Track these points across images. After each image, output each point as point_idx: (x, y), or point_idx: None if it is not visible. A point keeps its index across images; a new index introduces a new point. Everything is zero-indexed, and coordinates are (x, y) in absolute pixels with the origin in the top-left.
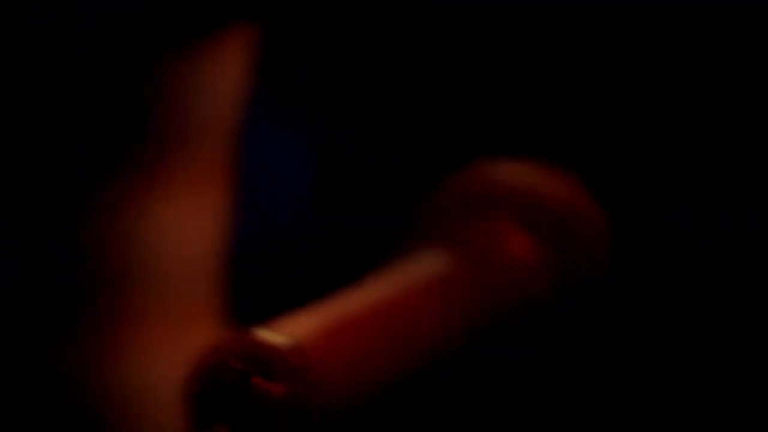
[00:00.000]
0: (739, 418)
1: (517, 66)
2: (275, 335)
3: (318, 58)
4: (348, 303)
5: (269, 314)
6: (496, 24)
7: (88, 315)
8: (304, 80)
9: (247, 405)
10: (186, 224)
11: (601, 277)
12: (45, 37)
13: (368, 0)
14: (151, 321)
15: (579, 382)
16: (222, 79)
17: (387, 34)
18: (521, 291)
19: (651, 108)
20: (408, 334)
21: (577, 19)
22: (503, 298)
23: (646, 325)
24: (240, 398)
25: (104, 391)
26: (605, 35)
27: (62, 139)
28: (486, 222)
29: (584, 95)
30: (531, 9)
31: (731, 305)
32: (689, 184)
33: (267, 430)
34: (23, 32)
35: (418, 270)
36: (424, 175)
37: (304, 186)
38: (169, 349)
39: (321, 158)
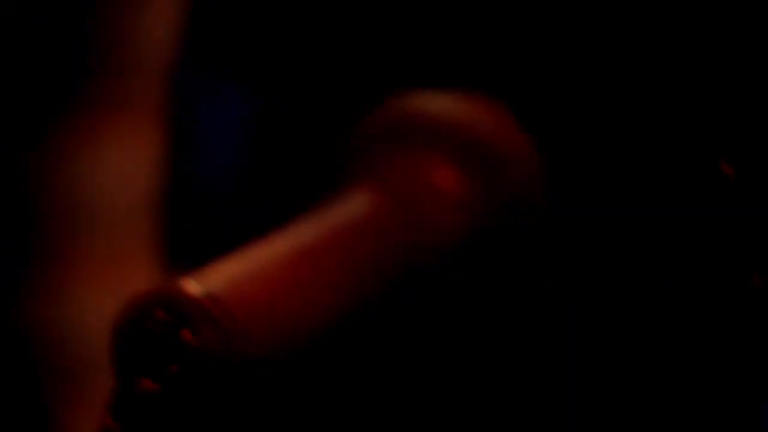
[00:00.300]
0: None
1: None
2: (196, 285)
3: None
4: (270, 250)
5: (201, 259)
6: None
7: (27, 252)
8: (233, 33)
9: (168, 355)
10: (124, 167)
11: (533, 208)
12: None
13: None
14: (89, 260)
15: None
16: (156, 22)
17: None
18: (449, 225)
19: (576, 36)
20: (331, 279)
21: None
22: (431, 235)
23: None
24: (161, 348)
25: (42, 327)
26: None
27: (4, 80)
28: (410, 156)
29: (508, 23)
30: None
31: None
32: (621, 112)
33: (188, 380)
34: None
35: (341, 213)
36: (348, 113)
37: (238, 135)
38: (105, 287)
39: (253, 107)
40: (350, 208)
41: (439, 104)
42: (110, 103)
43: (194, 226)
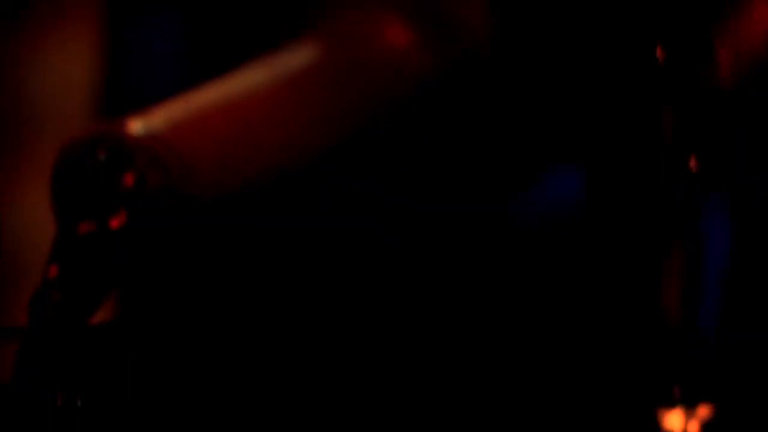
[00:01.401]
0: None
1: None
2: (138, 125)
3: None
4: (215, 92)
5: None
6: None
7: None
8: None
9: (109, 196)
10: (66, 71)
11: (481, 65)
12: None
13: None
14: (32, 165)
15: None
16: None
17: None
18: (398, 75)
19: None
20: (276, 121)
21: None
22: (379, 84)
23: None
24: (102, 189)
25: None
26: None
27: None
28: (363, 10)
29: None
30: None
31: None
32: None
33: (129, 220)
34: None
35: (291, 59)
36: None
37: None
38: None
39: None
40: (300, 54)
41: None
42: (54, 9)
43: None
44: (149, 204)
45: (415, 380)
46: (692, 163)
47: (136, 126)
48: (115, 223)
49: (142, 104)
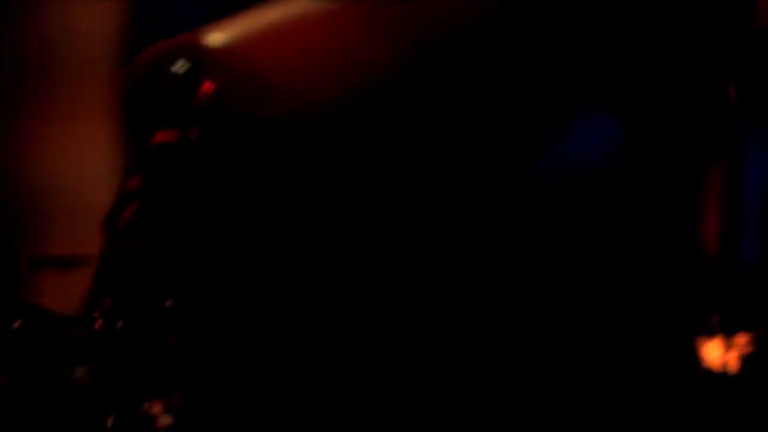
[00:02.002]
0: None
1: None
2: (215, 36)
3: None
4: (290, 8)
5: None
6: None
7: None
8: None
9: (185, 105)
10: (88, 20)
11: None
12: None
13: None
14: (52, 114)
15: None
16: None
17: None
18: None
19: None
20: (354, 43)
21: None
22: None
23: None
24: (178, 98)
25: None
26: None
27: None
28: None
29: None
30: None
31: None
32: None
33: (207, 133)
34: None
35: None
36: None
37: None
38: (67, 141)
39: None
40: None
41: None
42: None
43: None
44: (227, 116)
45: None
46: (732, 94)
47: (214, 37)
48: (193, 134)
49: None
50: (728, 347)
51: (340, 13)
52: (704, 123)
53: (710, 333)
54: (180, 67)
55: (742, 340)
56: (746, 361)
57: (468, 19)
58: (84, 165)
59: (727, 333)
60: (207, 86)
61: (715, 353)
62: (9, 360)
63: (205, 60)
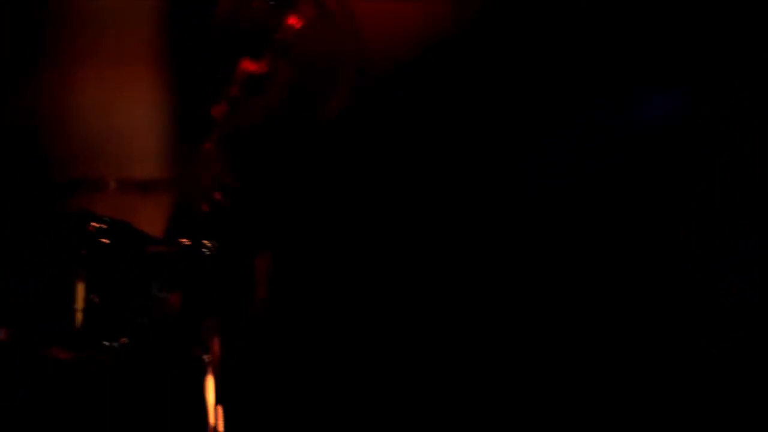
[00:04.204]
0: None
1: None
2: None
3: None
4: None
5: None
6: None
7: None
8: None
9: (271, 35)
10: None
11: None
12: None
13: None
14: (91, 59)
15: None
16: None
17: None
18: None
19: None
20: None
21: None
22: None
23: None
24: (265, 28)
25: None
26: None
27: None
28: None
29: None
30: None
31: None
32: None
33: (294, 65)
34: None
35: None
36: None
37: None
38: (106, 86)
39: None
40: None
41: None
42: None
43: None
44: (313, 50)
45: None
46: None
47: None
48: (281, 65)
49: None
50: None
51: None
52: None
53: None
54: None
55: None
56: None
57: None
58: (132, 112)
59: None
60: (293, 20)
61: None
62: (100, 279)
63: None
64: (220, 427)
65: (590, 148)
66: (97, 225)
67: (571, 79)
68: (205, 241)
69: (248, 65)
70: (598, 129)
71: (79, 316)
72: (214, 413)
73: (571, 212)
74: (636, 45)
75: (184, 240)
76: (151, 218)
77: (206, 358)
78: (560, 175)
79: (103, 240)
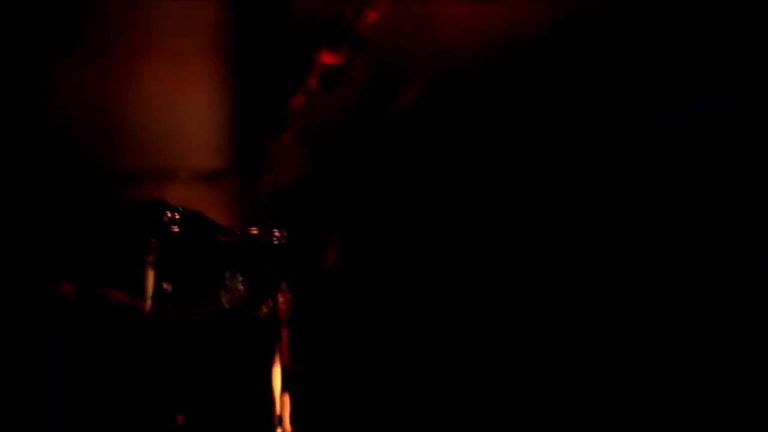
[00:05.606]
0: None
1: None
2: None
3: None
4: None
5: None
6: None
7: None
8: None
9: (349, 29)
10: None
11: None
12: None
13: None
14: (157, 53)
15: None
16: None
17: None
18: None
19: None
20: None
21: None
22: None
23: None
24: (344, 24)
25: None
26: None
27: None
28: None
29: None
30: None
31: None
32: None
33: (371, 59)
34: None
35: None
36: None
37: None
38: (171, 80)
39: None
40: None
41: None
42: None
43: None
44: (390, 43)
45: None
46: None
47: None
48: (358, 59)
49: None
50: None
51: None
52: None
53: None
54: None
55: None
56: None
57: None
58: (197, 105)
59: None
60: (372, 14)
61: None
62: (171, 267)
63: None
64: (286, 416)
65: (614, 141)
66: (170, 214)
67: (596, 74)
68: (276, 230)
69: (326, 58)
70: (622, 122)
71: (149, 303)
72: (281, 403)
73: (594, 205)
74: (660, 41)
75: (254, 229)
76: (217, 207)
77: (275, 346)
78: (584, 168)
79: (174, 228)
